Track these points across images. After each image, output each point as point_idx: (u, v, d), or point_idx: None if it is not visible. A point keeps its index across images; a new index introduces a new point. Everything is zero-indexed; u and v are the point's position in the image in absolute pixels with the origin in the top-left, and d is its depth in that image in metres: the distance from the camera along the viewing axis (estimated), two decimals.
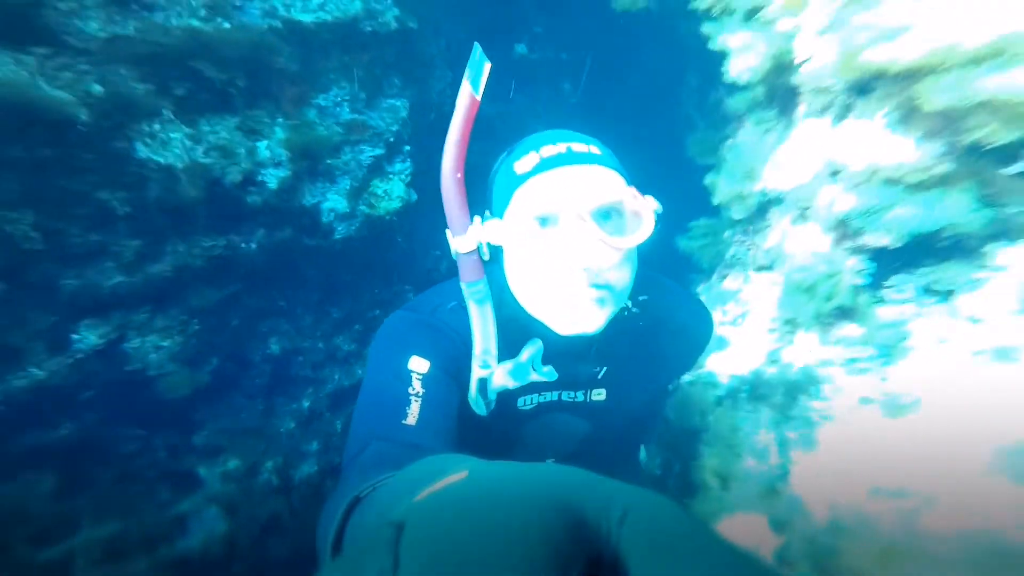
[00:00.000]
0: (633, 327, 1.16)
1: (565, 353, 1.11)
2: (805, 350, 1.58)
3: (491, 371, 1.09)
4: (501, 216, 1.01)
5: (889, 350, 1.37)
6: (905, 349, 1.33)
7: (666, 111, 3.36)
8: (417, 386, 1.01)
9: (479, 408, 1.12)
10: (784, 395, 1.51)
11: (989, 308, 1.22)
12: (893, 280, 1.45)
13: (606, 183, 0.97)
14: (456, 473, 0.43)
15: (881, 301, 1.45)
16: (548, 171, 0.97)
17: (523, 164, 1.00)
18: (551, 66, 3.91)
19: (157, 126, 1.91)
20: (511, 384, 1.08)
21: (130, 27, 1.75)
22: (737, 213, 2.02)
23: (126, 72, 1.79)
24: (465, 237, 1.02)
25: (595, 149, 1.02)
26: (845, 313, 1.47)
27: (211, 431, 2.47)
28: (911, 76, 1.24)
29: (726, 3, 1.81)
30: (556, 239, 0.95)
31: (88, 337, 1.88)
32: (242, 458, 2.57)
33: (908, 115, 1.33)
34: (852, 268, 1.45)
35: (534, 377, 1.07)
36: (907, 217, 1.28)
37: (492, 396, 1.11)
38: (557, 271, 0.97)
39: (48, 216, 1.69)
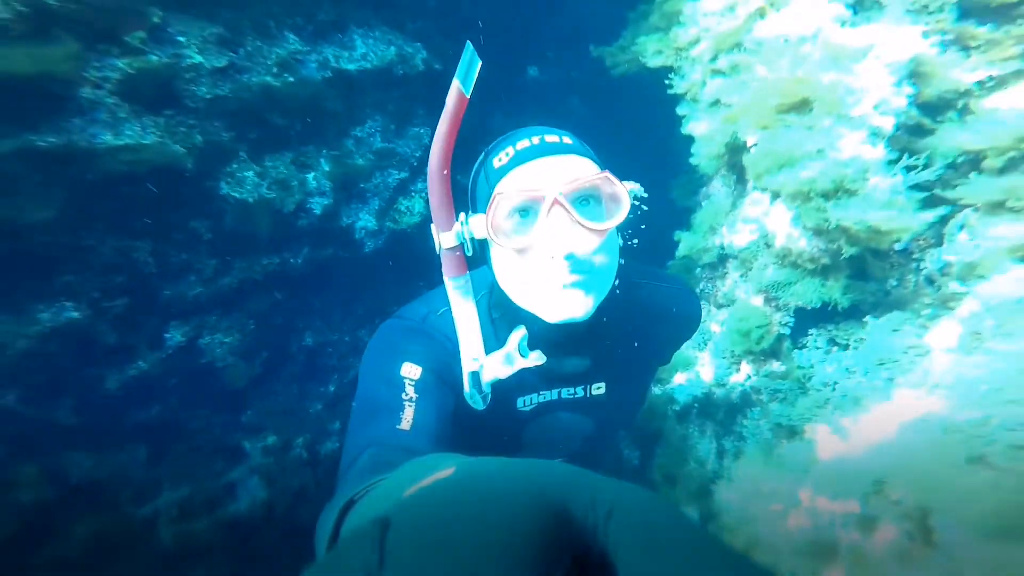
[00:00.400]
0: (624, 315, 1.16)
1: (558, 344, 1.11)
2: (744, 378, 2.06)
3: (480, 363, 1.09)
4: (484, 212, 1.02)
5: (801, 386, 1.85)
6: (810, 388, 1.81)
7: (661, 143, 3.77)
8: (410, 392, 1.02)
9: (475, 403, 1.11)
10: (726, 414, 1.99)
11: (856, 364, 1.70)
12: (810, 332, 1.92)
13: (579, 170, 1.00)
14: (444, 470, 0.43)
15: (800, 348, 1.93)
16: (524, 164, 1.00)
17: (500, 160, 1.03)
18: (560, 85, 4.31)
19: (235, 166, 2.33)
20: (502, 373, 1.07)
21: (226, 88, 2.17)
22: (705, 257, 2.48)
23: (219, 124, 2.20)
24: (449, 233, 1.04)
25: (567, 139, 1.04)
26: (771, 354, 1.94)
27: (255, 411, 2.91)
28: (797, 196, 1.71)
29: (694, 93, 2.27)
30: (536, 228, 0.96)
31: (175, 336, 2.33)
32: (279, 434, 3.01)
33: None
34: (778, 320, 1.92)
35: (521, 363, 1.06)
36: (803, 293, 1.75)
37: (487, 389, 1.11)
38: (540, 260, 0.98)
39: (158, 242, 2.12)
